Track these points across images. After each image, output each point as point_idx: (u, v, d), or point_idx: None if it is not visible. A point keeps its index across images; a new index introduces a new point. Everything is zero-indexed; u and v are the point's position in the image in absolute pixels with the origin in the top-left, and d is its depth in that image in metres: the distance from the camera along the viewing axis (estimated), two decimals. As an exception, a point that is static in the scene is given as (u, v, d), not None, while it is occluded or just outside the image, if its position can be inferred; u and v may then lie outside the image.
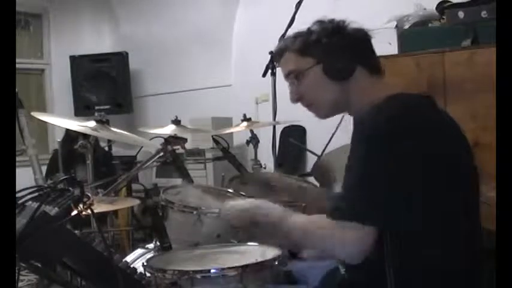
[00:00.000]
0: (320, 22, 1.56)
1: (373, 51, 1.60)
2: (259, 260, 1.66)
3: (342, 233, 1.35)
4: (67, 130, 4.19)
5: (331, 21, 1.56)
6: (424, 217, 1.36)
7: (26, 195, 1.39)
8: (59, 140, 4.23)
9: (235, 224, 1.64)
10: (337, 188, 2.45)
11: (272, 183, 1.99)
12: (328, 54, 1.51)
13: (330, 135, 1.62)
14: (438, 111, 1.52)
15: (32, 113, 2.40)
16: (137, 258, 2.18)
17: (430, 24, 3.53)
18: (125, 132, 2.63)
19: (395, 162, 1.33)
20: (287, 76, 1.61)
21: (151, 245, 2.28)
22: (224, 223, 2.26)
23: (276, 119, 3.47)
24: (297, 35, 1.59)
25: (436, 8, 3.56)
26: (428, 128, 1.40)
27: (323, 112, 1.60)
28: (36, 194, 1.39)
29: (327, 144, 1.59)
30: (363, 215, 1.33)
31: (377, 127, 1.36)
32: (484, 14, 3.25)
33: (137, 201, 2.57)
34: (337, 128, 1.58)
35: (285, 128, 4.72)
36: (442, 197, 1.37)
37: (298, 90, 1.59)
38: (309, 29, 1.57)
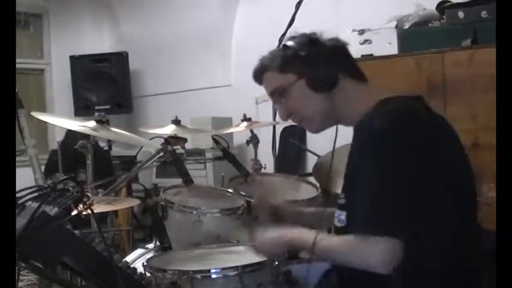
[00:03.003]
0: (294, 37, 1.55)
1: (352, 59, 1.59)
2: (259, 260, 1.66)
3: (366, 246, 1.34)
4: (67, 132, 4.20)
5: (304, 34, 1.55)
6: (427, 219, 1.36)
7: (26, 195, 1.39)
8: (58, 140, 4.23)
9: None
10: (337, 188, 2.45)
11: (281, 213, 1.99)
12: (308, 67, 1.50)
13: (330, 135, 1.61)
14: (430, 111, 1.52)
15: (32, 113, 2.40)
16: (137, 258, 2.18)
17: (430, 24, 3.52)
18: (125, 132, 2.63)
19: (403, 168, 1.33)
20: (271, 95, 1.60)
21: (151, 245, 2.28)
22: (224, 223, 2.27)
23: (276, 119, 3.47)
24: (274, 53, 1.59)
25: (436, 8, 3.56)
26: (426, 131, 1.40)
27: (314, 126, 1.60)
28: (36, 194, 1.40)
29: (333, 153, 1.57)
30: (381, 229, 1.32)
31: (376, 136, 1.36)
32: (484, 14, 3.25)
33: (137, 201, 2.57)
34: (336, 137, 1.57)
35: (285, 128, 4.71)
36: (442, 198, 1.37)
37: (286, 107, 1.58)
38: (284, 45, 1.56)
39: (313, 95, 1.52)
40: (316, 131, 1.60)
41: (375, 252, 1.33)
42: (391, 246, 1.32)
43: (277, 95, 1.58)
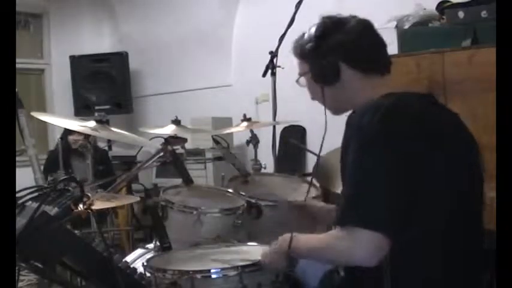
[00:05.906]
0: (315, 25, 1.58)
1: (362, 51, 1.56)
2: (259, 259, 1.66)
3: (348, 239, 1.34)
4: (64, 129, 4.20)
5: (319, 24, 1.57)
6: (423, 217, 1.36)
7: (26, 195, 1.39)
8: (58, 139, 4.23)
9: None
10: (337, 188, 2.45)
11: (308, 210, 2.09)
12: (313, 60, 1.54)
13: (329, 135, 1.61)
14: (439, 108, 1.51)
15: (32, 113, 2.40)
16: (137, 258, 2.18)
17: (430, 24, 3.52)
18: (125, 132, 2.63)
19: (389, 162, 1.33)
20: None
21: (151, 245, 2.28)
22: (224, 223, 2.27)
23: (276, 119, 3.47)
24: (297, 40, 1.62)
25: (436, 8, 3.56)
26: (417, 127, 1.38)
27: (331, 111, 1.62)
28: (36, 194, 1.40)
29: (319, 155, 1.58)
30: (368, 221, 1.31)
31: (367, 127, 1.36)
32: (484, 14, 3.25)
33: (137, 198, 2.57)
34: (324, 137, 1.57)
35: (285, 128, 4.72)
36: (440, 196, 1.36)
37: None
38: (303, 33, 1.59)
39: (318, 86, 1.56)
40: (334, 114, 1.63)
41: (356, 245, 1.32)
42: (374, 240, 1.31)
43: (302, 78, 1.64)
